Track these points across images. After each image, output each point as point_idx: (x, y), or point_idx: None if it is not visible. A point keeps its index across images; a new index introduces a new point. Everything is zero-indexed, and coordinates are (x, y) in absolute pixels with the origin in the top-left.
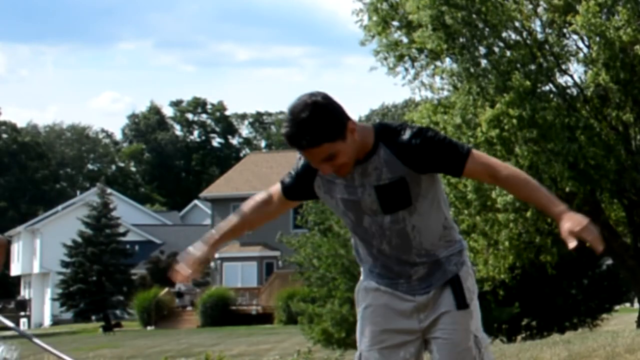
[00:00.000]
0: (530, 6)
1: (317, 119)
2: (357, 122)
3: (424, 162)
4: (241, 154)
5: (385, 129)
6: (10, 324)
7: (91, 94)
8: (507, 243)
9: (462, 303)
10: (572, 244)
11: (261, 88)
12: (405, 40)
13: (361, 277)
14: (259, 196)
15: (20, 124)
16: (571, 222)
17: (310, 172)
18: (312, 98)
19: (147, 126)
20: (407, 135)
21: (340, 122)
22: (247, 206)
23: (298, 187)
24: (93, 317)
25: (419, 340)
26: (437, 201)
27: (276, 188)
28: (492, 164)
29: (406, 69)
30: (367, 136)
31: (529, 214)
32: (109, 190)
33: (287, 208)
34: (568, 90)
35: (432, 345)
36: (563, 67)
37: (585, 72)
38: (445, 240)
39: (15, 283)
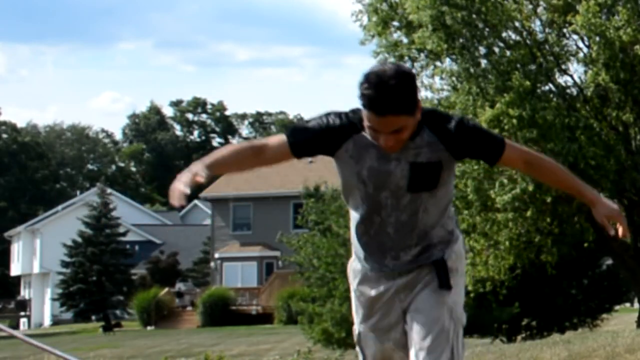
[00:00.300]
0: (530, 6)
1: (406, 89)
2: None
3: (466, 148)
4: None
5: (432, 113)
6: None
7: (91, 94)
8: (507, 243)
9: (444, 283)
10: (611, 231)
11: (261, 88)
12: (405, 40)
13: (352, 257)
14: (247, 146)
15: (20, 124)
16: (607, 209)
17: (343, 134)
18: (401, 67)
19: (147, 126)
20: (452, 122)
21: (417, 98)
22: (235, 148)
23: (314, 145)
24: (93, 317)
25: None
26: (450, 191)
27: (277, 142)
28: (526, 151)
29: None
30: (418, 118)
31: (529, 213)
32: (109, 190)
33: (278, 163)
34: (568, 90)
35: (407, 317)
36: (563, 67)
37: (585, 72)
38: (443, 227)
39: (15, 283)
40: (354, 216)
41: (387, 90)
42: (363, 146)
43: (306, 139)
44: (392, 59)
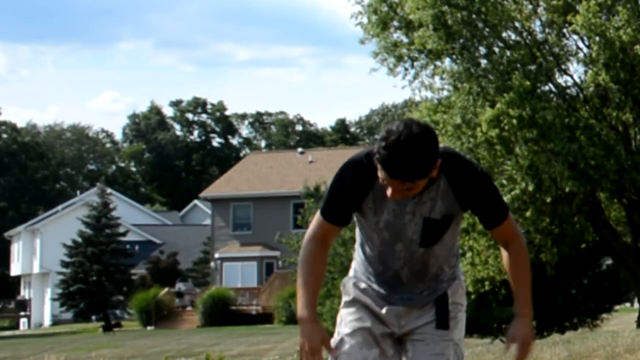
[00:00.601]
0: (530, 6)
1: (423, 157)
2: None
3: (474, 201)
4: (241, 154)
5: (452, 159)
6: None
7: (91, 94)
8: None
9: (442, 323)
10: (507, 348)
11: (261, 88)
12: (405, 39)
13: (350, 273)
14: (313, 249)
15: (21, 124)
16: (520, 332)
17: (361, 193)
18: (423, 133)
19: (147, 126)
20: (469, 171)
21: (436, 160)
22: (310, 264)
23: (347, 211)
24: (93, 317)
25: (394, 339)
26: (457, 232)
27: (322, 227)
28: (515, 234)
29: (406, 69)
30: None
31: (528, 213)
32: (109, 190)
33: (336, 235)
34: (568, 90)
35: (408, 346)
36: (563, 67)
37: (585, 72)
38: (448, 265)
39: (15, 283)
40: (369, 255)
41: (403, 157)
42: (381, 198)
43: (338, 211)
44: (392, 59)
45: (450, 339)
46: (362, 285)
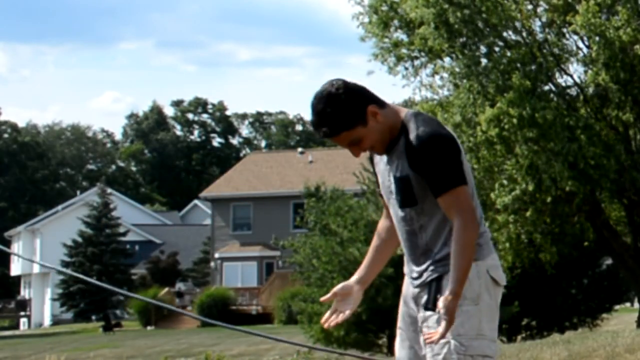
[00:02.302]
0: (530, 6)
1: (332, 110)
2: (389, 105)
3: (418, 165)
4: (241, 154)
5: (410, 118)
6: None
7: (92, 94)
8: (507, 244)
9: (429, 305)
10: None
11: (262, 88)
12: (405, 39)
13: None
14: (380, 222)
15: (22, 124)
16: (443, 302)
17: (372, 160)
18: (327, 89)
19: (148, 126)
20: (416, 134)
21: (356, 109)
22: (377, 234)
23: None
24: (93, 317)
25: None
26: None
27: (382, 201)
28: (456, 209)
29: (406, 69)
30: (397, 122)
31: (528, 213)
32: (109, 190)
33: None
34: (568, 90)
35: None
36: (563, 67)
37: (585, 72)
38: (441, 243)
39: (15, 283)
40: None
41: (318, 115)
42: (379, 160)
43: (378, 184)
44: (392, 59)
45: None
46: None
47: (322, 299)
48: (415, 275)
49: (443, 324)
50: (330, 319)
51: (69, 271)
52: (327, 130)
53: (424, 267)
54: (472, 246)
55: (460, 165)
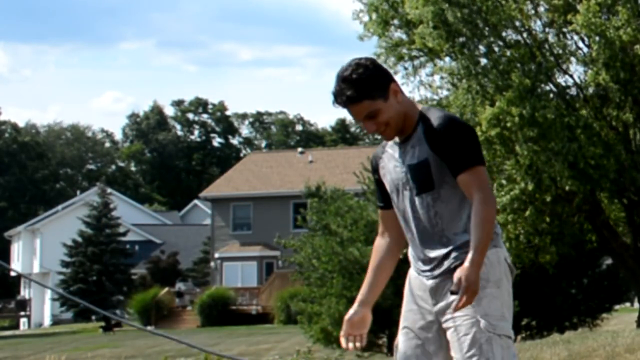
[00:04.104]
0: (531, 6)
1: (357, 77)
2: (406, 96)
3: (440, 145)
4: (241, 154)
5: (429, 109)
6: None
7: (93, 94)
8: (506, 244)
9: (455, 290)
10: (453, 288)
11: (263, 88)
12: (405, 38)
13: None
14: (377, 241)
15: (22, 124)
16: (462, 272)
17: (376, 169)
18: (356, 60)
19: (148, 126)
20: (437, 118)
21: (381, 82)
22: (375, 254)
23: (384, 192)
24: (93, 317)
25: (438, 323)
26: (457, 194)
27: (379, 216)
28: (477, 186)
29: (406, 68)
30: (414, 113)
31: (527, 213)
32: (109, 190)
33: (391, 221)
34: (568, 90)
35: (443, 324)
36: (563, 66)
37: (585, 71)
38: (457, 231)
39: (15, 283)
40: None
41: (342, 82)
42: (386, 162)
43: (379, 196)
44: (392, 59)
45: (473, 316)
46: (411, 270)
47: (342, 335)
48: (433, 265)
49: (466, 292)
50: (349, 345)
51: (62, 291)
52: (351, 94)
53: (443, 253)
54: (491, 221)
55: (480, 147)
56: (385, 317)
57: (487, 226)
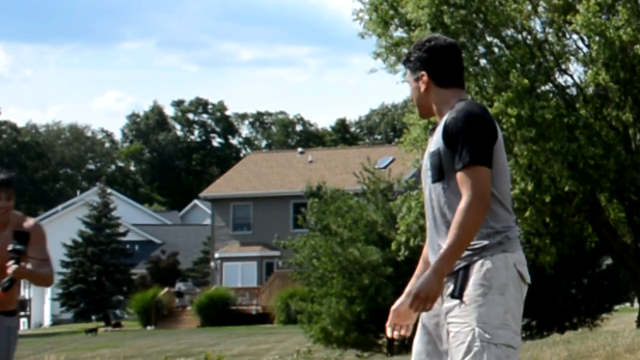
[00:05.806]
0: (530, 6)
1: (419, 47)
2: (459, 93)
3: (450, 137)
4: (241, 154)
5: (463, 102)
6: None
7: (94, 94)
8: None
9: (455, 294)
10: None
11: (264, 88)
12: (405, 36)
13: None
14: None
15: (23, 124)
16: (418, 286)
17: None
18: (429, 37)
19: (148, 126)
20: (457, 111)
21: (422, 64)
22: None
23: None
24: (93, 317)
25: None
26: None
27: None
28: (467, 187)
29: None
30: (446, 105)
31: (527, 214)
32: (109, 190)
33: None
34: (568, 90)
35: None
36: (563, 66)
37: (585, 71)
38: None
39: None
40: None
41: (416, 42)
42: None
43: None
44: (392, 58)
45: (470, 324)
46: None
47: (387, 325)
48: None
49: (414, 300)
50: (394, 334)
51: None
52: (406, 55)
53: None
54: (471, 227)
55: (489, 147)
56: (386, 317)
57: (465, 233)
